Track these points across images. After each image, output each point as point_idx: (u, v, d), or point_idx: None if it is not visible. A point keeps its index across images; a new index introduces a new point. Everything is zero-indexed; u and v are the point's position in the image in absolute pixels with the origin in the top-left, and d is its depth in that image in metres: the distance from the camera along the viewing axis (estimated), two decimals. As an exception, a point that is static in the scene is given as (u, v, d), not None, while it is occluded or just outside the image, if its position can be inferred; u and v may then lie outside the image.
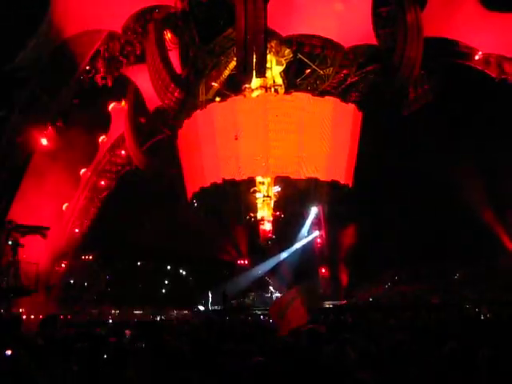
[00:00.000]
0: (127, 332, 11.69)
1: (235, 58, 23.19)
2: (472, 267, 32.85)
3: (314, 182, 23.97)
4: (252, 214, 26.28)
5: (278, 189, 25.67)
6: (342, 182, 24.31)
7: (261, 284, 39.57)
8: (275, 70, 25.65)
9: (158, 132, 30.69)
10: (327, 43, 24.02)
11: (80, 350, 6.03)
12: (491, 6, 24.72)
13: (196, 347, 5.44)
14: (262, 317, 27.81)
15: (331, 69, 25.97)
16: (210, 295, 36.05)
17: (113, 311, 33.77)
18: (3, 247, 23.05)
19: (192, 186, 25.76)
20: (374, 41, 23.43)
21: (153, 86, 23.83)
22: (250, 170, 23.24)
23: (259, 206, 25.80)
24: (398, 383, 4.50)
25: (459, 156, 28.60)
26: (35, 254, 24.95)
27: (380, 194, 31.40)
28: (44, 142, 25.74)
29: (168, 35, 23.95)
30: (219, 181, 23.75)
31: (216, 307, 36.16)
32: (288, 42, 24.31)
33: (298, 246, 40.79)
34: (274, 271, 40.93)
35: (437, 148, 29.39)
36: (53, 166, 27.55)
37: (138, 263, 43.47)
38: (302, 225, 40.50)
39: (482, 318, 19.60)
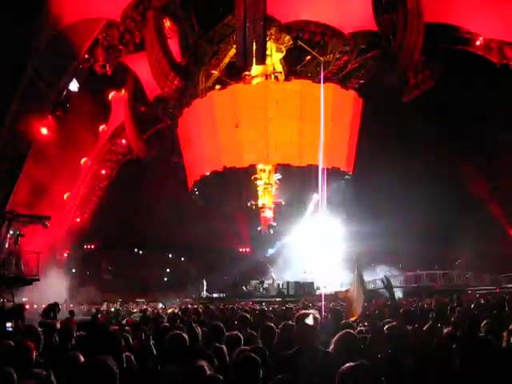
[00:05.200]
0: (129, 321, 11.73)
1: (235, 46, 23.12)
2: (474, 253, 32.88)
3: (314, 169, 24.00)
4: (253, 202, 26.31)
5: (278, 176, 25.66)
6: (343, 168, 24.34)
7: (262, 271, 39.59)
8: (275, 57, 25.57)
9: (158, 121, 30.68)
10: (327, 30, 23.94)
11: (81, 338, 6.05)
12: (492, -10, 24.57)
13: (195, 334, 5.45)
14: (263, 304, 27.84)
15: (331, 55, 25.89)
16: (205, 283, 36.14)
17: (115, 300, 33.84)
18: (4, 237, 23.07)
19: (193, 174, 25.79)
20: (374, 27, 23.34)
21: (152, 75, 23.79)
22: (250, 157, 23.27)
23: (260, 193, 25.82)
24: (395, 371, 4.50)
25: (460, 142, 28.58)
26: (37, 244, 24.97)
27: (381, 180, 31.35)
28: (44, 131, 25.72)
29: (167, 23, 23.88)
30: (220, 169, 23.78)
31: (218, 295, 36.27)
32: (288, 28, 24.24)
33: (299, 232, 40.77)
34: (275, 258, 40.97)
35: (437, 134, 29.33)
36: (53, 155, 27.54)
37: (140, 252, 43.54)
38: (303, 212, 40.49)
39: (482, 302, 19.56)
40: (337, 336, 4.75)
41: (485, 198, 31.09)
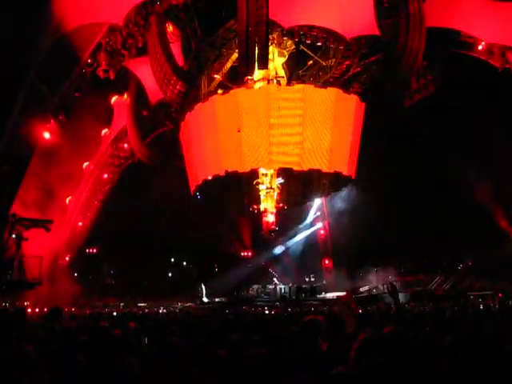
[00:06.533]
0: (131, 324, 11.71)
1: (237, 50, 23.15)
2: (475, 258, 32.85)
3: (316, 174, 23.99)
4: (255, 206, 26.29)
5: (281, 180, 25.65)
6: (345, 173, 24.30)
7: (264, 276, 39.58)
8: (277, 61, 25.60)
9: (161, 125, 30.65)
10: (329, 34, 23.99)
11: (84, 342, 6.05)
12: (494, -5, 24.66)
13: (197, 339, 5.45)
14: (265, 308, 27.83)
15: (333, 60, 25.92)
16: (204, 287, 36.19)
17: (117, 304, 33.84)
18: (7, 241, 23.11)
19: (195, 179, 25.78)
20: (376, 31, 23.37)
21: (155, 79, 23.81)
22: (252, 161, 23.22)
23: (262, 197, 25.79)
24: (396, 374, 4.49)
25: (463, 147, 28.54)
26: (39, 248, 24.99)
27: (383, 186, 31.34)
28: (46, 135, 25.73)
29: (170, 27, 23.90)
30: (222, 173, 23.75)
31: (220, 299, 36.30)
32: (290, 33, 24.27)
33: (301, 237, 40.81)
34: (277, 263, 40.96)
35: (439, 138, 29.29)
36: (56, 159, 27.57)
37: (142, 256, 43.50)
38: (305, 216, 40.51)
39: (482, 307, 19.58)
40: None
41: (487, 202, 31.03)
